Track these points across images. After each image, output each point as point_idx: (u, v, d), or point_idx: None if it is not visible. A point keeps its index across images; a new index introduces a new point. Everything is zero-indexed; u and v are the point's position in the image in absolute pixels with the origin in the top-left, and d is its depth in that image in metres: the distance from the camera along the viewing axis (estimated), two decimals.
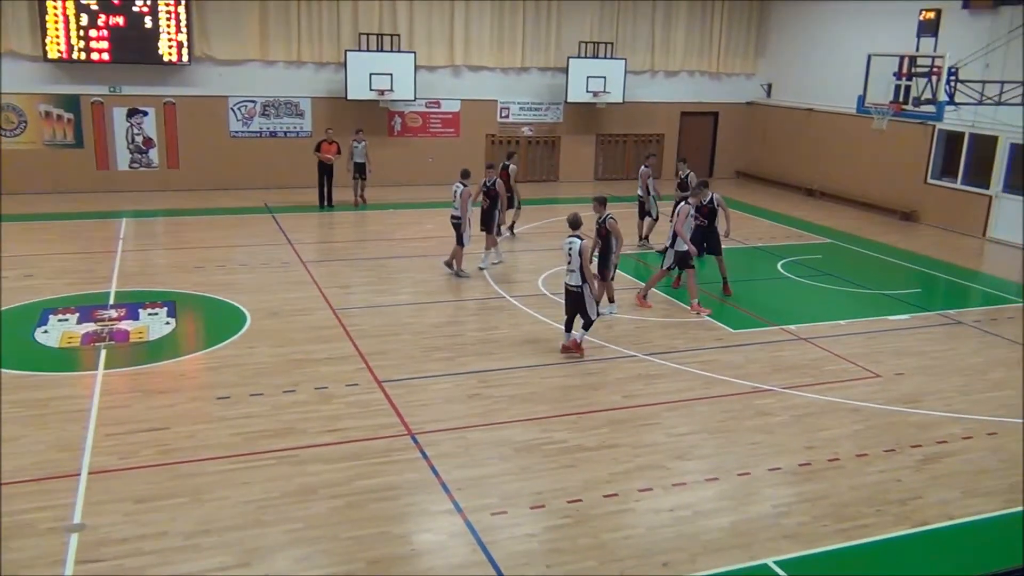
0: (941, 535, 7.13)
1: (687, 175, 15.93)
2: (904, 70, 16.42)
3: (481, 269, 14.51)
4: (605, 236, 11.74)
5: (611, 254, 11.93)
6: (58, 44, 19.06)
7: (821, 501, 7.52)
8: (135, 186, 20.58)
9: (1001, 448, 8.67)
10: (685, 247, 12.53)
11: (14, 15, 18.86)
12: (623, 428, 8.84)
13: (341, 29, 21.40)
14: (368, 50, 21.31)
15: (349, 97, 21.25)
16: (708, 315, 12.49)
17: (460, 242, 14.07)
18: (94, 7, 19.10)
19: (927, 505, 7.53)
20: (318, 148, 19.36)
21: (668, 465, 8.08)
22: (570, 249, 10.45)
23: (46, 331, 11.02)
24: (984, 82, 16.57)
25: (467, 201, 13.88)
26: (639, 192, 16.63)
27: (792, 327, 12.18)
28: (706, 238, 13.73)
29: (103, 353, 10.33)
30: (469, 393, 9.60)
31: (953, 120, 18.21)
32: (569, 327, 10.81)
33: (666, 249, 12.88)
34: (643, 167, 16.64)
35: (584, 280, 10.41)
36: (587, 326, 10.69)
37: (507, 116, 23.66)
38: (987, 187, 18.81)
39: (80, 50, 19.23)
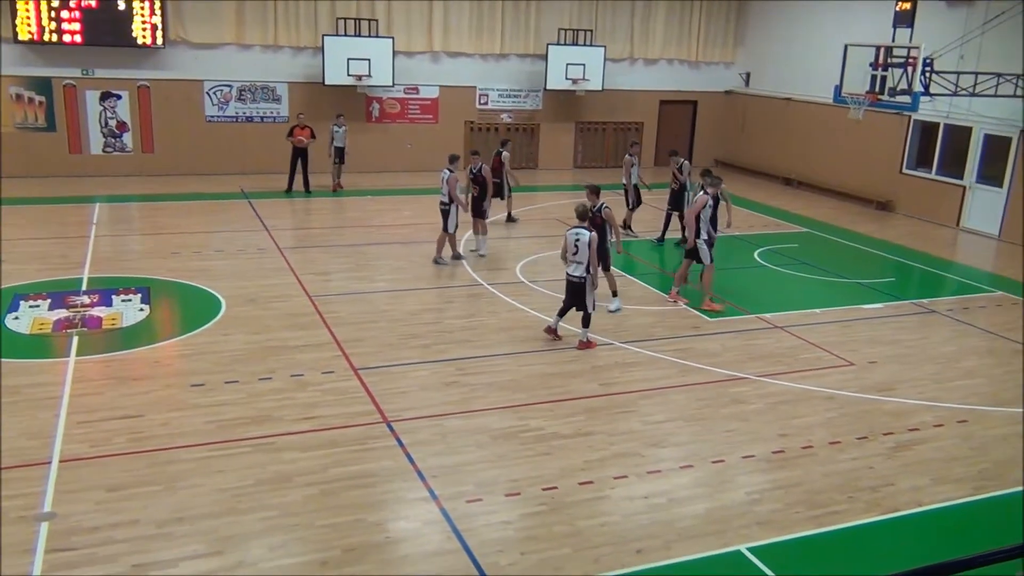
0: (912, 521, 7.21)
1: (680, 165, 15.99)
2: (880, 60, 16.52)
3: (476, 252, 14.60)
4: (600, 225, 11.44)
5: (606, 243, 11.77)
6: (29, 25, 18.77)
7: (794, 488, 7.59)
8: (109, 171, 20.34)
9: (971, 435, 8.79)
10: (706, 236, 12.26)
11: None
12: (599, 416, 8.87)
13: (318, 13, 21.22)
14: (346, 35, 21.14)
15: (327, 82, 21.10)
16: (683, 302, 12.52)
17: (445, 228, 14.02)
18: None
19: (898, 492, 7.62)
20: (291, 133, 19.21)
21: (643, 453, 8.12)
22: (577, 240, 10.34)
23: (17, 317, 10.88)
24: (959, 73, 16.71)
25: (454, 187, 13.82)
26: (623, 180, 16.67)
27: (768, 315, 12.26)
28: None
29: (75, 340, 10.22)
30: (446, 381, 9.59)
31: (928, 111, 18.36)
32: (563, 313, 10.80)
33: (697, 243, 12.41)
34: (627, 156, 16.69)
35: (588, 271, 10.39)
36: (587, 320, 10.67)
37: (486, 103, 23.58)
38: (961, 177, 18.99)
39: (52, 32, 18.94)
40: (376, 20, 21.52)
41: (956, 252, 17.31)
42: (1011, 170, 17.83)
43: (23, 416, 8.24)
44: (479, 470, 7.65)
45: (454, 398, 9.14)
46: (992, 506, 7.48)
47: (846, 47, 17.27)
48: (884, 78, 16.39)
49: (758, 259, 15.32)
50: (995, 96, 16.66)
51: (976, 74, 16.82)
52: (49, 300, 11.52)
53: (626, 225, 16.62)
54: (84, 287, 12.23)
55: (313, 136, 19.25)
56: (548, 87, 23.39)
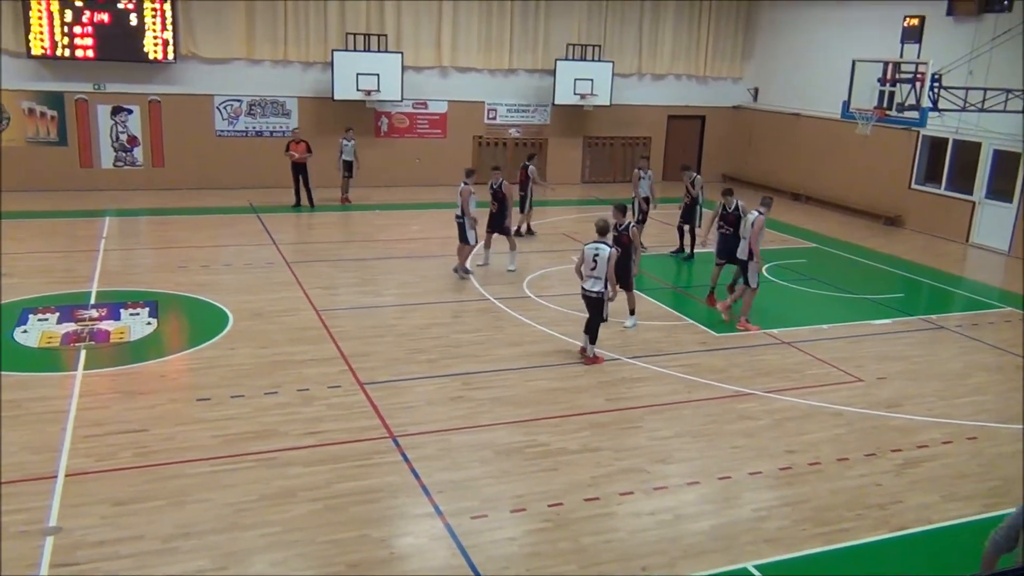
0: (920, 539, 7.16)
1: (692, 179, 16.03)
2: (888, 76, 16.50)
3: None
4: (626, 244, 11.39)
5: (631, 263, 11.64)
6: (42, 40, 18.93)
7: (801, 505, 7.54)
8: (119, 185, 20.45)
9: (980, 452, 8.71)
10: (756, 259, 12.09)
11: None
12: (605, 431, 8.84)
13: (328, 28, 21.34)
14: (355, 50, 21.26)
15: (336, 97, 21.20)
16: (757, 331, 12.21)
17: (464, 240, 14.06)
18: (79, 3, 18.98)
19: (907, 509, 7.56)
20: (287, 148, 19.25)
21: (650, 469, 8.08)
22: (596, 255, 10.33)
23: (25, 331, 10.92)
24: (967, 89, 16.68)
25: (467, 200, 13.84)
26: (634, 195, 16.75)
27: (775, 331, 12.21)
28: (730, 246, 13.15)
29: (83, 353, 10.25)
30: (452, 396, 9.57)
31: (937, 126, 18.30)
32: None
33: (745, 264, 12.17)
34: (636, 169, 16.74)
35: (606, 287, 10.39)
36: (595, 336, 10.69)
37: (494, 118, 23.65)
38: (970, 193, 18.92)
39: (64, 47, 19.10)
40: (385, 35, 21.64)
41: (965, 268, 17.23)
42: (1020, 186, 17.76)
43: (29, 430, 8.26)
44: (485, 486, 7.62)
45: (460, 413, 9.12)
46: None
47: (854, 63, 17.25)
48: (892, 94, 16.37)
49: (766, 274, 15.26)
50: (1004, 112, 16.62)
51: (985, 90, 16.78)
52: (58, 314, 11.56)
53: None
54: (92, 301, 12.27)
55: (309, 151, 19.21)
56: (556, 102, 23.44)
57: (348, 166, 19.84)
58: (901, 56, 17.33)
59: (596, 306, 10.51)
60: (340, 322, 11.81)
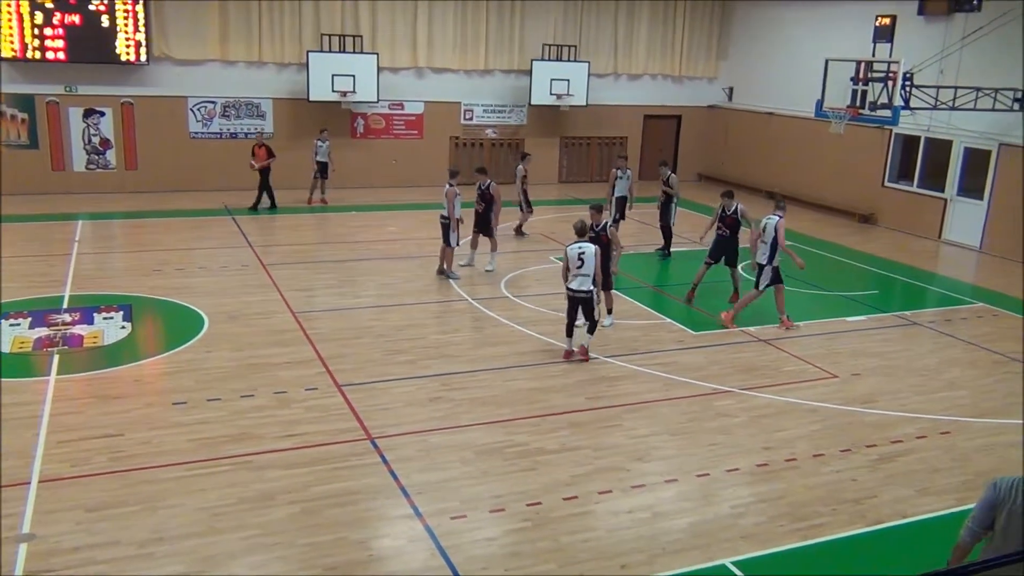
0: (895, 533, 7.23)
1: (668, 177, 16.17)
2: (861, 75, 16.69)
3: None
4: (604, 244, 11.39)
5: (609, 262, 11.64)
6: (12, 42, 18.70)
7: (778, 501, 7.59)
8: (92, 188, 20.24)
9: (954, 447, 8.82)
10: (775, 264, 12.10)
11: None
12: (584, 430, 8.86)
13: (303, 29, 21.24)
14: (330, 51, 21.17)
15: (311, 98, 21.10)
16: (796, 326, 12.31)
17: (447, 242, 14.03)
18: (49, 5, 18.77)
19: (882, 504, 7.64)
20: (252, 154, 19.02)
21: (628, 467, 8.10)
22: (582, 254, 10.39)
23: None
24: (938, 87, 16.90)
25: (452, 201, 13.82)
26: (609, 195, 16.86)
27: (752, 329, 12.29)
28: (726, 248, 13.36)
29: (56, 358, 10.13)
30: (430, 396, 9.56)
31: (909, 124, 18.52)
32: (571, 332, 10.79)
33: (762, 268, 12.23)
34: (614, 169, 16.83)
35: (594, 284, 10.47)
36: (593, 328, 10.73)
37: (471, 118, 23.64)
38: (942, 190, 19.14)
39: (35, 49, 18.88)
40: (361, 36, 21.57)
41: (938, 264, 17.44)
42: (991, 183, 18.00)
43: (2, 435, 8.14)
44: (464, 486, 7.62)
45: (438, 414, 9.11)
46: None
47: (827, 62, 17.43)
48: (865, 92, 16.57)
49: (742, 272, 15.35)
50: (974, 110, 16.85)
51: (955, 88, 17.01)
52: (30, 318, 11.42)
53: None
54: (65, 305, 12.13)
55: (271, 155, 18.87)
56: (533, 102, 23.47)
57: (323, 167, 19.75)
58: (873, 55, 17.53)
59: (587, 304, 10.56)
60: (317, 324, 11.76)
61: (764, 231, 12.13)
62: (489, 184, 14.62)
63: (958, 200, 18.87)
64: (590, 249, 10.41)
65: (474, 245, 14.89)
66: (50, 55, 19.03)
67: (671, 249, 16.37)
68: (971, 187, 18.60)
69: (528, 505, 7.33)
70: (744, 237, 13.42)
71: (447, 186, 13.98)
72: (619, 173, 16.78)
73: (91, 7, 19.07)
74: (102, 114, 20.19)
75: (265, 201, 19.17)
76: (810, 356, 11.28)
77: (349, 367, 10.26)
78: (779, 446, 8.66)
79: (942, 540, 7.18)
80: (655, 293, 14.23)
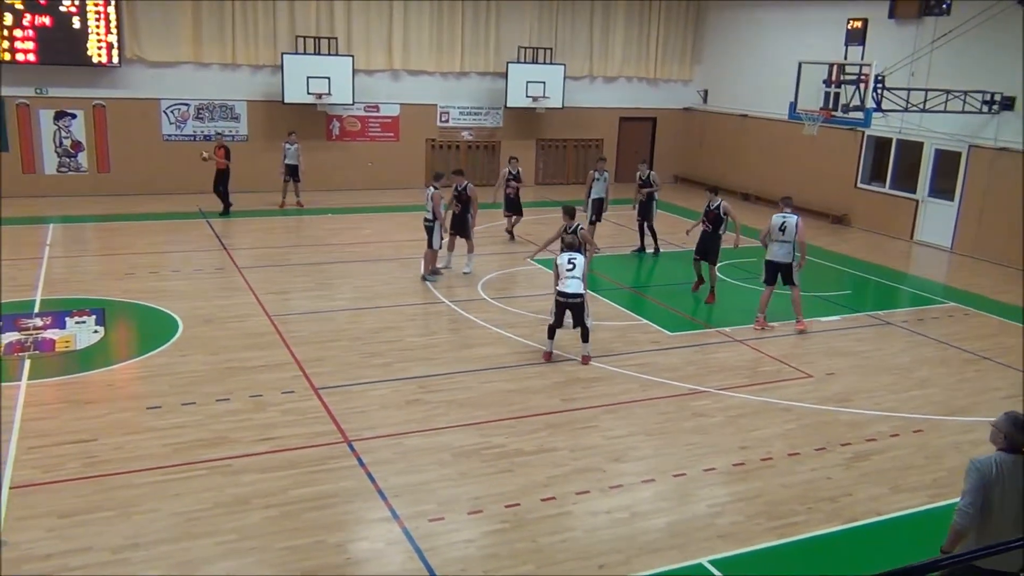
0: (870, 531, 7.30)
1: (648, 175, 16.36)
2: (833, 77, 16.85)
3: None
4: (579, 245, 11.50)
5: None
6: None
7: (755, 500, 7.64)
8: (63, 191, 20.01)
9: (926, 445, 8.93)
10: (774, 259, 12.21)
11: None
12: (561, 431, 8.87)
13: (277, 31, 21.13)
14: (305, 53, 21.07)
15: (286, 100, 20.99)
16: (771, 327, 12.44)
17: (430, 245, 14.01)
18: (19, 6, 18.54)
19: (856, 502, 7.71)
20: (213, 154, 18.67)
21: (605, 468, 8.13)
22: (572, 259, 10.55)
23: None
24: (910, 89, 17.11)
25: (438, 204, 13.81)
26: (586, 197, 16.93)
27: (727, 329, 12.37)
28: (706, 243, 13.56)
29: (27, 363, 10.00)
30: (407, 399, 9.53)
31: (881, 126, 18.71)
32: (553, 334, 10.80)
33: (790, 266, 12.23)
34: (591, 171, 16.91)
35: (585, 288, 10.58)
36: (587, 335, 10.75)
37: (447, 121, 23.61)
38: (914, 192, 19.37)
39: (4, 50, 18.63)
40: (336, 38, 21.49)
41: (910, 264, 17.64)
42: (962, 184, 18.23)
43: None
44: (441, 488, 7.60)
45: (416, 416, 9.09)
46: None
47: (800, 64, 17.58)
48: (837, 95, 16.73)
49: (717, 273, 15.45)
50: (945, 112, 17.08)
51: (926, 91, 17.22)
52: (0, 323, 11.26)
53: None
54: (37, 309, 11.98)
55: (226, 157, 18.59)
56: (509, 105, 23.49)
57: (293, 170, 19.59)
58: (845, 58, 17.72)
59: (578, 311, 10.60)
60: (293, 327, 11.69)
61: (784, 230, 12.18)
62: (466, 185, 14.64)
63: (929, 201, 19.10)
64: (580, 258, 10.61)
65: (451, 247, 14.88)
66: (20, 56, 18.78)
67: (659, 248, 16.62)
68: (942, 188, 18.83)
69: (506, 506, 7.33)
70: (731, 237, 13.60)
71: (431, 189, 13.97)
72: (596, 175, 16.84)
73: (62, 8, 18.86)
74: (73, 116, 19.97)
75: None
76: (785, 356, 11.37)
77: (326, 370, 10.21)
78: (755, 445, 8.72)
79: (916, 537, 7.31)
80: (631, 294, 14.27)
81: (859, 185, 20.73)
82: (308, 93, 20.94)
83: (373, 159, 22.83)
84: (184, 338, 11.11)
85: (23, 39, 18.73)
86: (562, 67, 23.60)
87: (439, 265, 14.60)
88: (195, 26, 20.36)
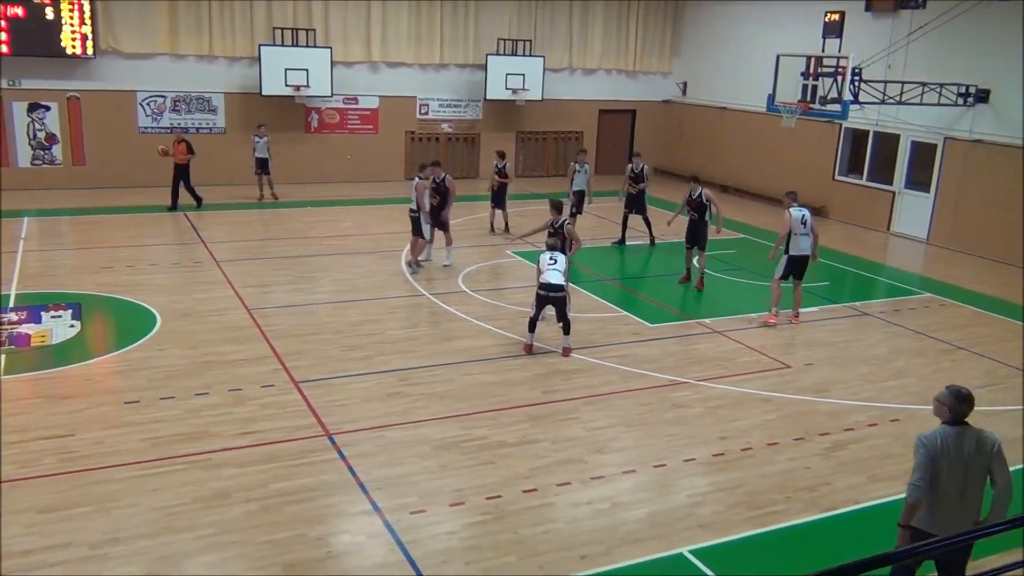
0: (848, 519, 7.38)
1: (641, 168, 16.41)
2: (811, 70, 16.94)
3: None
4: (563, 240, 11.51)
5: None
6: None
7: (735, 490, 7.70)
8: (38, 184, 19.75)
9: (904, 434, 9.01)
10: (803, 252, 12.28)
11: None
12: (542, 423, 8.89)
13: (254, 23, 20.95)
14: (283, 44, 20.92)
15: (264, 93, 20.82)
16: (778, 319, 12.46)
17: (418, 234, 14.06)
18: None
19: (835, 491, 7.78)
20: (171, 151, 18.21)
21: (586, 459, 8.15)
22: (554, 254, 10.68)
23: None
24: (886, 82, 17.24)
25: (422, 194, 13.82)
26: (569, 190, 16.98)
27: (707, 320, 12.43)
28: (695, 232, 13.88)
29: (2, 358, 9.88)
30: (388, 392, 9.51)
31: (858, 119, 18.85)
32: (534, 327, 10.81)
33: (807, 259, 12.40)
34: (572, 163, 16.93)
35: (566, 281, 10.66)
36: (568, 328, 10.78)
37: (426, 113, 23.54)
38: (890, 183, 19.54)
39: None
40: (314, 30, 21.34)
41: (887, 256, 17.80)
42: (937, 176, 18.41)
43: None
44: (422, 481, 7.60)
45: (396, 409, 9.07)
46: None
47: (778, 57, 17.67)
48: (815, 87, 16.82)
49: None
50: (921, 104, 17.22)
51: (903, 83, 17.36)
52: None
53: None
54: (12, 304, 11.84)
55: (191, 151, 18.26)
56: (488, 97, 23.44)
57: (263, 163, 19.41)
58: (823, 50, 17.79)
59: (560, 304, 10.64)
60: (272, 320, 11.63)
61: (806, 223, 12.29)
62: (444, 177, 14.61)
63: (906, 193, 19.27)
64: (561, 257, 10.71)
65: (430, 240, 14.85)
66: None
67: (654, 238, 16.88)
68: (918, 180, 19.00)
69: (488, 498, 7.34)
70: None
71: (416, 179, 13.99)
72: (577, 167, 16.85)
73: None
74: (47, 108, 19.72)
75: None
76: (764, 347, 11.44)
77: (306, 363, 10.16)
78: (735, 436, 8.78)
79: (894, 525, 7.35)
80: (611, 286, 14.31)
81: (837, 177, 20.87)
82: (286, 85, 20.78)
83: (352, 151, 22.72)
84: (162, 332, 11.02)
85: None
86: (541, 59, 23.58)
87: (420, 258, 14.57)
88: (171, 17, 20.15)
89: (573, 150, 21.83)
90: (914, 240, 18.77)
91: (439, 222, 14.65)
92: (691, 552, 6.71)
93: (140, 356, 10.21)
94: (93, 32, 19.24)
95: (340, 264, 14.76)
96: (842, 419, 9.32)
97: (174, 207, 18.40)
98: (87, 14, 19.06)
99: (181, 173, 18.40)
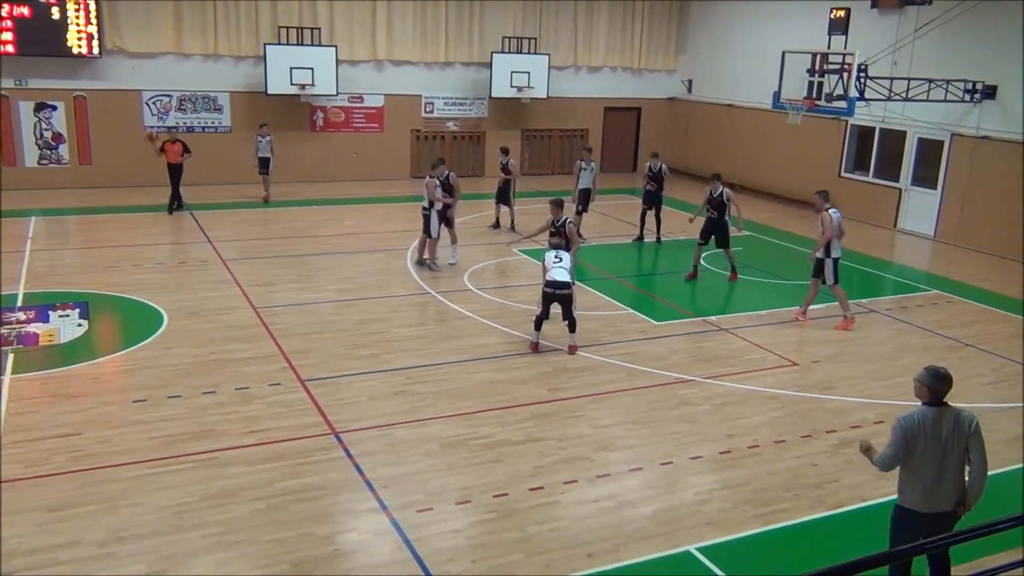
0: (855, 517, 7.36)
1: (660, 168, 16.42)
2: (817, 67, 16.90)
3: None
4: (566, 239, 11.53)
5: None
6: None
7: (741, 487, 7.69)
8: (44, 183, 19.81)
9: None
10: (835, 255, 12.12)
11: None
12: (548, 421, 8.89)
13: (260, 22, 20.98)
14: (288, 43, 20.94)
15: (269, 91, 20.85)
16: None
17: (428, 232, 14.08)
18: None
19: (842, 488, 7.77)
20: (162, 149, 17.95)
21: (593, 457, 8.15)
22: (559, 253, 10.70)
23: None
24: (892, 79, 17.18)
25: (432, 191, 13.89)
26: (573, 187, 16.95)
27: (713, 318, 12.42)
28: (715, 230, 13.94)
29: (10, 357, 9.92)
30: (394, 390, 9.52)
31: (864, 115, 18.81)
32: (540, 325, 10.80)
33: (821, 261, 12.18)
34: (578, 161, 16.92)
35: (572, 279, 10.69)
36: (574, 326, 10.78)
37: (432, 111, 23.54)
38: (897, 180, 19.48)
39: None
40: (319, 28, 21.36)
41: (893, 252, 17.75)
42: (944, 172, 18.35)
43: None
44: (429, 479, 7.61)
45: (403, 407, 9.08)
46: None
47: (784, 54, 17.62)
48: (821, 84, 16.77)
49: (703, 263, 15.50)
50: (927, 101, 17.17)
51: (909, 80, 17.30)
52: None
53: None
54: (19, 303, 11.89)
55: (187, 151, 18.07)
56: (493, 95, 23.43)
57: (265, 163, 19.41)
58: (829, 47, 17.73)
59: (566, 302, 10.64)
60: (279, 319, 11.65)
61: (837, 225, 12.17)
62: (448, 175, 14.61)
63: (912, 189, 19.21)
64: (566, 255, 10.74)
65: (436, 238, 14.84)
66: None
67: (660, 237, 16.88)
68: (925, 177, 18.94)
69: (494, 496, 7.34)
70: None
71: (427, 177, 14.06)
72: (583, 165, 16.84)
73: None
74: (54, 108, 19.78)
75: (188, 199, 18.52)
76: (770, 344, 11.42)
77: (312, 362, 10.18)
78: (741, 433, 8.77)
79: None
80: (617, 284, 14.30)
81: (843, 174, 20.82)
82: (291, 84, 20.81)
83: (357, 150, 22.74)
84: (169, 331, 11.05)
85: (1, 30, 18.50)
86: (546, 57, 23.56)
87: (425, 256, 14.59)
88: (176, 16, 20.19)
89: (578, 148, 21.82)
90: (921, 237, 18.72)
91: (444, 220, 14.66)
92: (698, 550, 6.71)
93: (147, 355, 10.24)
94: (99, 32, 19.28)
95: (346, 263, 14.78)
96: (849, 416, 9.31)
97: (179, 207, 18.39)
98: (93, 14, 19.10)
99: (177, 173, 18.29)
